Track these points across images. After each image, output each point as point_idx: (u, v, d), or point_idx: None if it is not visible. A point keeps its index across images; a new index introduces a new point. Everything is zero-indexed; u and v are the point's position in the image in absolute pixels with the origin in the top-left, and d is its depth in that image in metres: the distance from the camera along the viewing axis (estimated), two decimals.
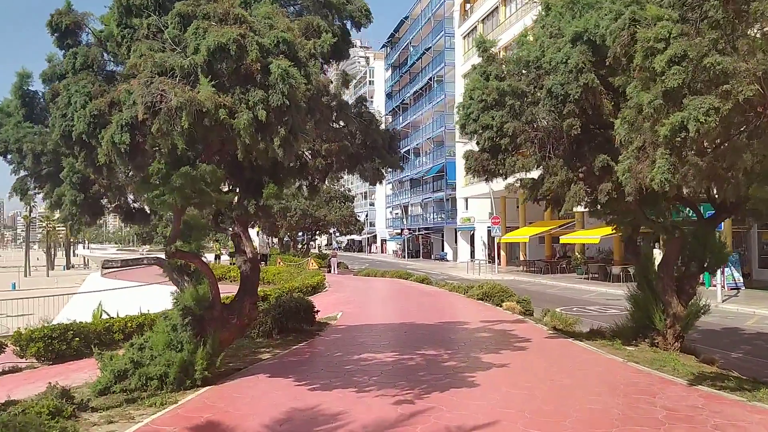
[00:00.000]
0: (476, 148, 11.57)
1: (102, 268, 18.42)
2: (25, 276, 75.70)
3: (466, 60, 46.33)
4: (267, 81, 6.10)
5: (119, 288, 25.29)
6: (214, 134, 6.33)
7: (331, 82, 7.95)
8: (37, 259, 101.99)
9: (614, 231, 13.77)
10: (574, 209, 12.16)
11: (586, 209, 11.85)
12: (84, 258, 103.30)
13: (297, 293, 18.27)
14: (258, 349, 11.85)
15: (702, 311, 11.91)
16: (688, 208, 12.68)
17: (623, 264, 30.67)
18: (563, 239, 36.13)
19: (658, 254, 14.06)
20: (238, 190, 9.42)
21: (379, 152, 9.43)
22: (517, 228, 41.79)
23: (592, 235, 31.68)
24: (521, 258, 43.10)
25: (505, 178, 11.36)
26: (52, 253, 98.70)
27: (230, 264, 32.33)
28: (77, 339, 12.38)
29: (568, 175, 10.32)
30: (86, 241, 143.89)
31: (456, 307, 19.63)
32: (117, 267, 10.44)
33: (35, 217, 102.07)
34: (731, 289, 23.35)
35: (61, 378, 10.33)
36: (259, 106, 6.01)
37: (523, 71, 10.95)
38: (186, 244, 9.25)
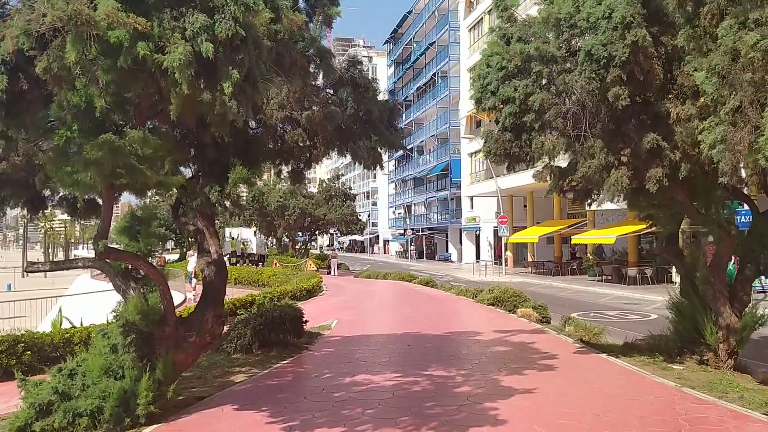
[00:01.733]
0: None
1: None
2: (23, 277, 74.28)
3: (472, 54, 44.58)
4: (212, 2, 4.21)
5: (106, 291, 23.42)
6: (139, 84, 4.44)
7: (308, 21, 6.02)
8: (37, 259, 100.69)
9: (648, 226, 12.01)
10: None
11: (624, 201, 9.98)
12: None
13: (288, 298, 16.47)
14: (232, 368, 9.93)
15: (760, 322, 10.17)
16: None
17: (639, 265, 29.02)
18: (576, 239, 34.11)
19: None
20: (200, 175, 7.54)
21: (376, 127, 7.51)
22: (525, 228, 39.88)
23: (607, 235, 29.78)
24: (529, 259, 41.18)
25: (531, 164, 9.44)
26: (51, 253, 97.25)
27: (229, 264, 30.32)
28: (29, 352, 10.63)
29: (608, 159, 8.42)
30: (85, 241, 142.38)
31: (465, 314, 17.80)
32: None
33: (35, 217, 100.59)
34: (757, 292, 21.48)
35: (1, 401, 8.65)
36: (202, 37, 4.12)
37: (550, 34, 9.06)
38: (134, 242, 7.41)
